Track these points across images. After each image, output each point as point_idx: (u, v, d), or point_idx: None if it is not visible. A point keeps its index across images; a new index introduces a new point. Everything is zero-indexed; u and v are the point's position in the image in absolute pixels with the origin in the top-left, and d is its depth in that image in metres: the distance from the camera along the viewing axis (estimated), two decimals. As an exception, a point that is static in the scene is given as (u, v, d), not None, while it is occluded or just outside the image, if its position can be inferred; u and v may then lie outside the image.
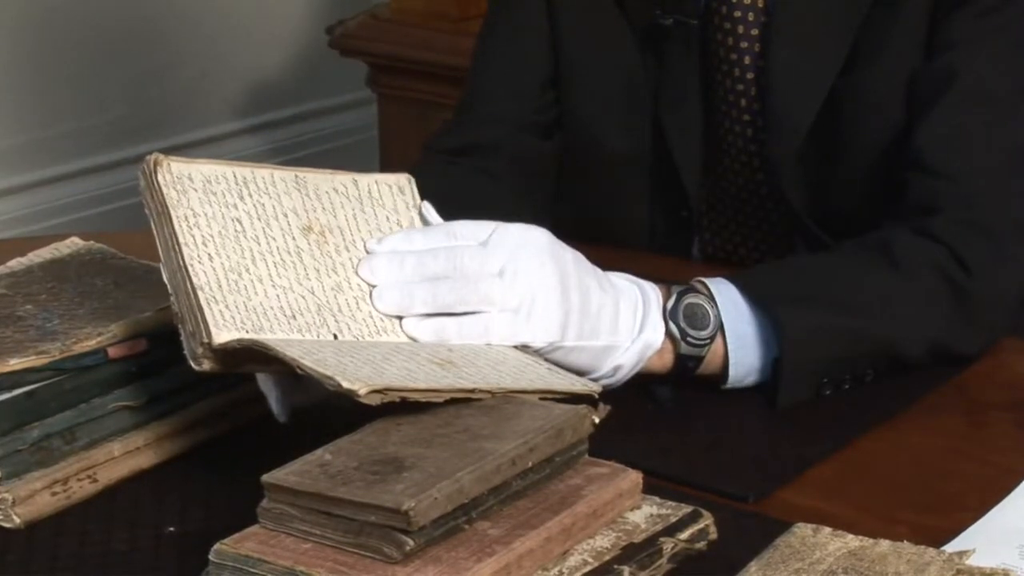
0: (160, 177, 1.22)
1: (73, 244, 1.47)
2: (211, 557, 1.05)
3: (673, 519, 1.14)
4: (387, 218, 1.31)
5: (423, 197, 1.34)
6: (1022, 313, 1.48)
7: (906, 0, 1.52)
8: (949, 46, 1.51)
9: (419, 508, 1.02)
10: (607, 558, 1.09)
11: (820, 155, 1.58)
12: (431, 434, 1.12)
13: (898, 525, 1.17)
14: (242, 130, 3.94)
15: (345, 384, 1.11)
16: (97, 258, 1.42)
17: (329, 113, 4.06)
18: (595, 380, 1.31)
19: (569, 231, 1.37)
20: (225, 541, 1.06)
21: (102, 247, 1.45)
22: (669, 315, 1.34)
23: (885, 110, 1.54)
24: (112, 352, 1.26)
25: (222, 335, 1.17)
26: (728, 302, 1.37)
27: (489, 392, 1.17)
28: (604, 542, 1.11)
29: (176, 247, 1.21)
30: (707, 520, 1.15)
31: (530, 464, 1.10)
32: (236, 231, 1.24)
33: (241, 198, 1.25)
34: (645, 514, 1.14)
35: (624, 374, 1.33)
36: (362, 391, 1.11)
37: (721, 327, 1.35)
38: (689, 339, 1.34)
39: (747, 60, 1.60)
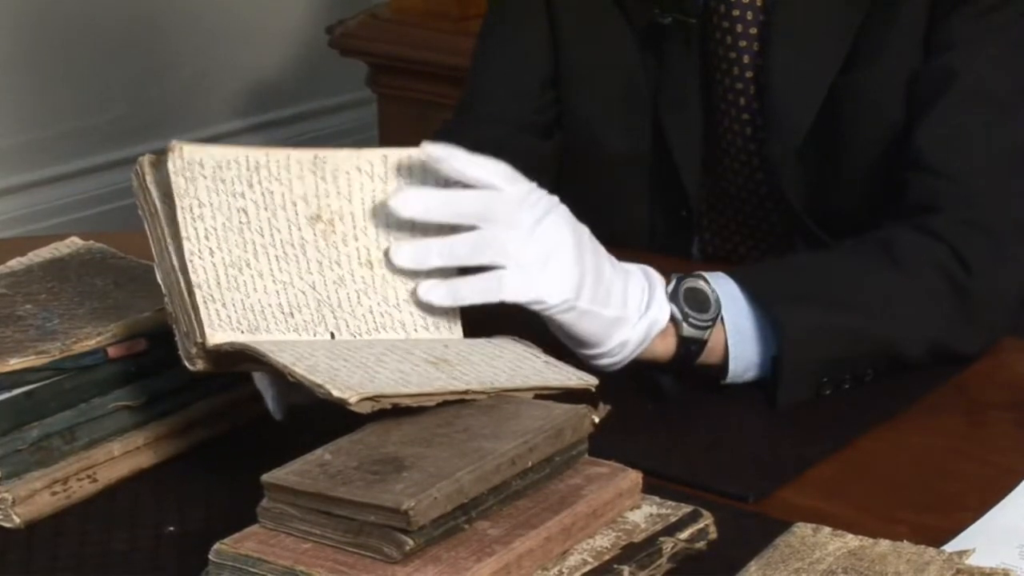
0: (171, 164, 1.21)
1: (73, 244, 1.47)
2: (211, 557, 1.05)
3: (673, 519, 1.14)
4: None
5: None
6: (1022, 313, 1.48)
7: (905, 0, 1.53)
8: (949, 46, 1.51)
9: (419, 508, 1.02)
10: (607, 558, 1.09)
11: (820, 154, 1.58)
12: (431, 434, 1.12)
13: (898, 525, 1.17)
14: (242, 130, 3.94)
15: (336, 393, 1.11)
16: (97, 258, 1.42)
17: (329, 113, 4.06)
18: (599, 357, 1.31)
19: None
20: (225, 541, 1.06)
21: (102, 247, 1.45)
22: (670, 297, 1.34)
23: (884, 109, 1.54)
24: (112, 352, 1.26)
25: (216, 336, 1.17)
26: (727, 295, 1.37)
27: (483, 392, 1.17)
28: (604, 542, 1.11)
29: (168, 248, 1.20)
30: (707, 520, 1.15)
31: (530, 464, 1.10)
32: (240, 222, 1.23)
33: (250, 185, 1.24)
34: (645, 514, 1.14)
35: (629, 352, 1.33)
36: (353, 400, 1.11)
37: (721, 319, 1.36)
38: (691, 320, 1.34)
39: (746, 59, 1.60)
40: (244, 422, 1.31)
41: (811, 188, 1.59)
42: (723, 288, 1.37)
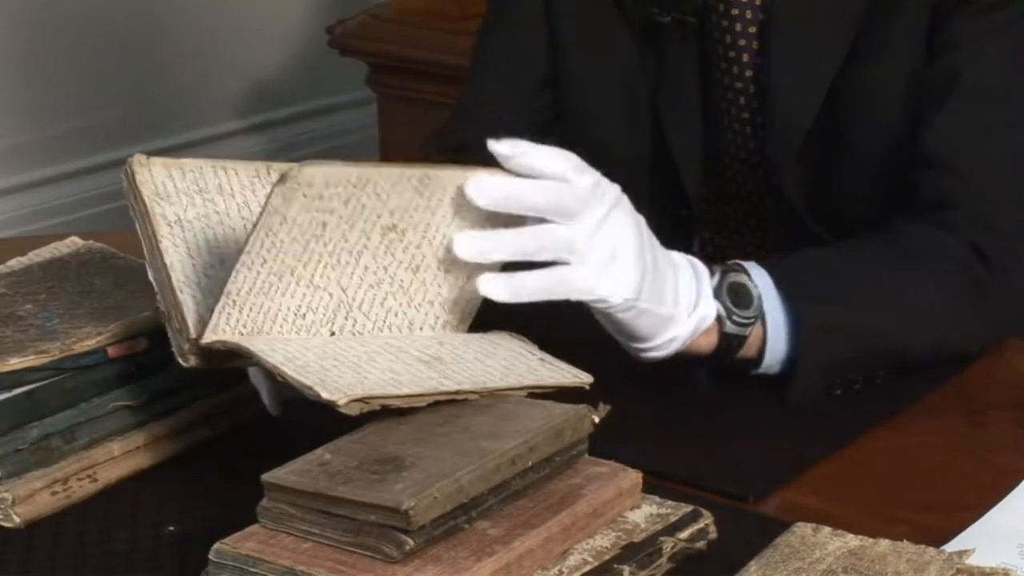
0: (288, 184, 1.15)
1: (73, 244, 1.47)
2: (211, 557, 1.05)
3: (673, 518, 1.14)
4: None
5: None
6: (1022, 313, 1.49)
7: (906, -1, 1.53)
8: (951, 46, 1.51)
9: (419, 507, 1.02)
10: (607, 557, 1.09)
11: (820, 154, 1.58)
12: (431, 433, 1.12)
13: (898, 525, 1.17)
14: (242, 130, 3.94)
15: (324, 395, 1.10)
16: (97, 258, 1.42)
17: (329, 113, 4.06)
18: (647, 351, 1.31)
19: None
20: (225, 541, 1.06)
21: (102, 247, 1.45)
22: (715, 293, 1.34)
23: (885, 109, 1.54)
24: (112, 351, 1.26)
25: (211, 335, 1.17)
26: (767, 291, 1.37)
27: (474, 392, 1.17)
28: (604, 542, 1.11)
29: (157, 246, 1.20)
30: (707, 520, 1.15)
31: (530, 463, 1.10)
32: (313, 235, 1.18)
33: (345, 202, 1.18)
34: (645, 513, 1.14)
35: (675, 347, 1.33)
36: (342, 402, 1.10)
37: (762, 317, 1.36)
38: (735, 317, 1.34)
39: (746, 58, 1.60)
40: (244, 421, 1.31)
41: (811, 187, 1.59)
42: (762, 282, 1.37)
